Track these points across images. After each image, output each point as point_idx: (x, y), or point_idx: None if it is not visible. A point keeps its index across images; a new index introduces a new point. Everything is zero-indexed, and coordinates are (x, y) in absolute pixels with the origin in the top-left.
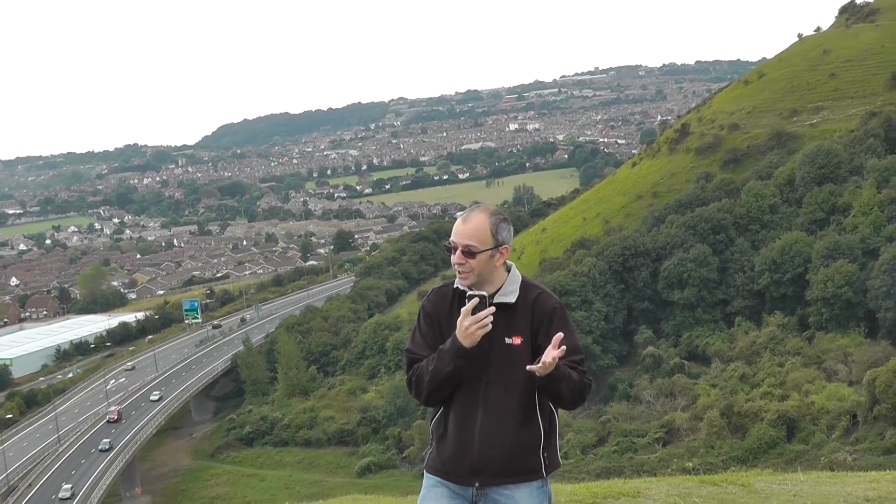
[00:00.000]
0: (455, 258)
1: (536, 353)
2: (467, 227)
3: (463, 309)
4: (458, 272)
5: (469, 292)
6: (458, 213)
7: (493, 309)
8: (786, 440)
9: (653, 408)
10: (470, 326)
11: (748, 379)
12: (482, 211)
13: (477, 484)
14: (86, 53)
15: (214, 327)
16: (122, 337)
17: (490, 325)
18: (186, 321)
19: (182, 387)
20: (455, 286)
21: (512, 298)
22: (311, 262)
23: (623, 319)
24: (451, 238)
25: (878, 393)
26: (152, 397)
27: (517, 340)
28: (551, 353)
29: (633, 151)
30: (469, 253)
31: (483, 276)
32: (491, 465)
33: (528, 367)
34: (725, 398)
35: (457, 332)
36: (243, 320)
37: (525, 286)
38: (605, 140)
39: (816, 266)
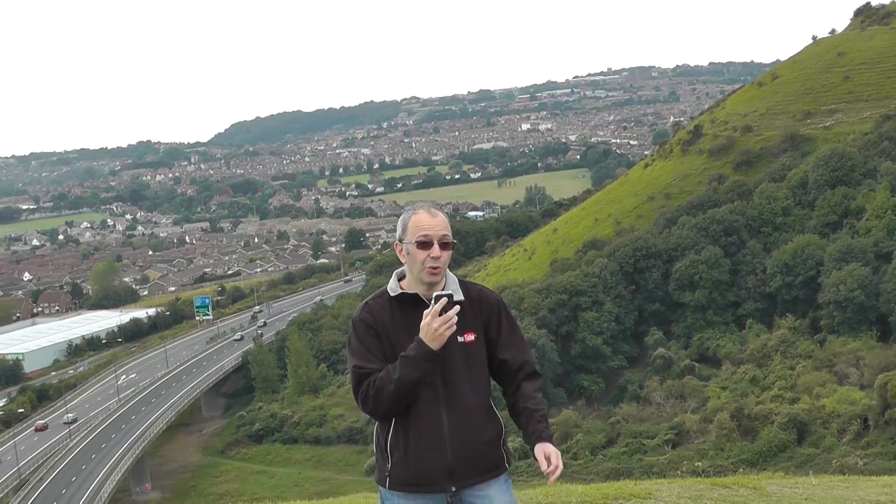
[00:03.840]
0: (433, 252)
1: (489, 346)
2: (439, 220)
3: (430, 311)
4: (431, 269)
5: (436, 293)
6: (406, 210)
7: (458, 308)
8: (796, 443)
9: (663, 409)
10: (440, 328)
11: (759, 381)
12: (433, 208)
13: (454, 488)
14: (100, 50)
15: (254, 317)
16: (133, 333)
17: (455, 325)
18: (197, 318)
19: (192, 383)
20: (392, 295)
21: (460, 296)
22: (322, 261)
23: (634, 321)
24: (424, 232)
25: (890, 397)
26: None
27: (470, 337)
28: (555, 472)
29: (646, 152)
30: (445, 245)
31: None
32: (465, 466)
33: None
34: (736, 401)
35: (423, 334)
36: (254, 318)
37: (464, 284)
38: (618, 141)
39: (829, 269)
